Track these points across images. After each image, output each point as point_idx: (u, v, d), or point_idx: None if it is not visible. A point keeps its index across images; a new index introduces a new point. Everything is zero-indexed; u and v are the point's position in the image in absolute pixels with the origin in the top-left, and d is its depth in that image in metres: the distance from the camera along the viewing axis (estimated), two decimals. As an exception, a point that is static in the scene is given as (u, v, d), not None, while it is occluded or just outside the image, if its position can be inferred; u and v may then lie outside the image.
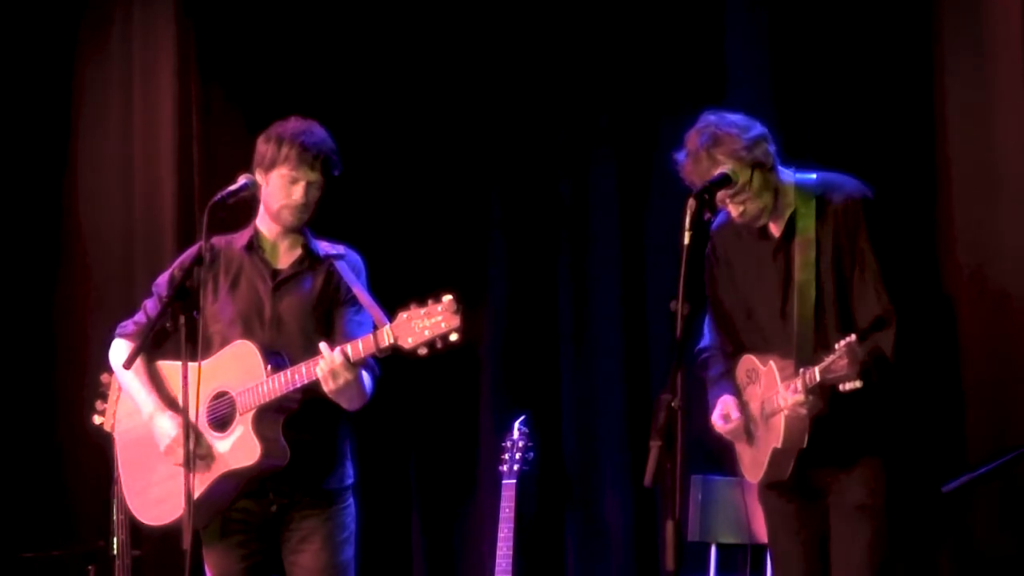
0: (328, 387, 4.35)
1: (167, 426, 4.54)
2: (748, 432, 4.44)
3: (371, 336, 4.33)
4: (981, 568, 5.16)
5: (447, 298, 4.23)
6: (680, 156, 4.35)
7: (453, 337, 4.22)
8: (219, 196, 4.46)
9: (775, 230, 4.39)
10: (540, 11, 6.12)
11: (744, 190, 4.27)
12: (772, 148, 4.33)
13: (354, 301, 4.55)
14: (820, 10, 5.51)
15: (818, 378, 4.12)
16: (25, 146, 6.68)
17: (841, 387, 4.08)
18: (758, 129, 4.32)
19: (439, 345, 4.24)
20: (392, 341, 4.27)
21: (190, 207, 6.18)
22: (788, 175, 4.38)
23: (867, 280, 4.26)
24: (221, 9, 6.34)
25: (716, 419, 4.47)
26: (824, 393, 4.17)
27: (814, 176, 4.39)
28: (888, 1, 5.44)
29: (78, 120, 6.69)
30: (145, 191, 6.44)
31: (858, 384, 4.05)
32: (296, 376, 4.38)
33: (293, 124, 4.60)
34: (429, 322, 4.22)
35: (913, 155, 5.34)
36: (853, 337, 4.04)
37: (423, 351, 4.25)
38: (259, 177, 4.57)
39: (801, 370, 4.19)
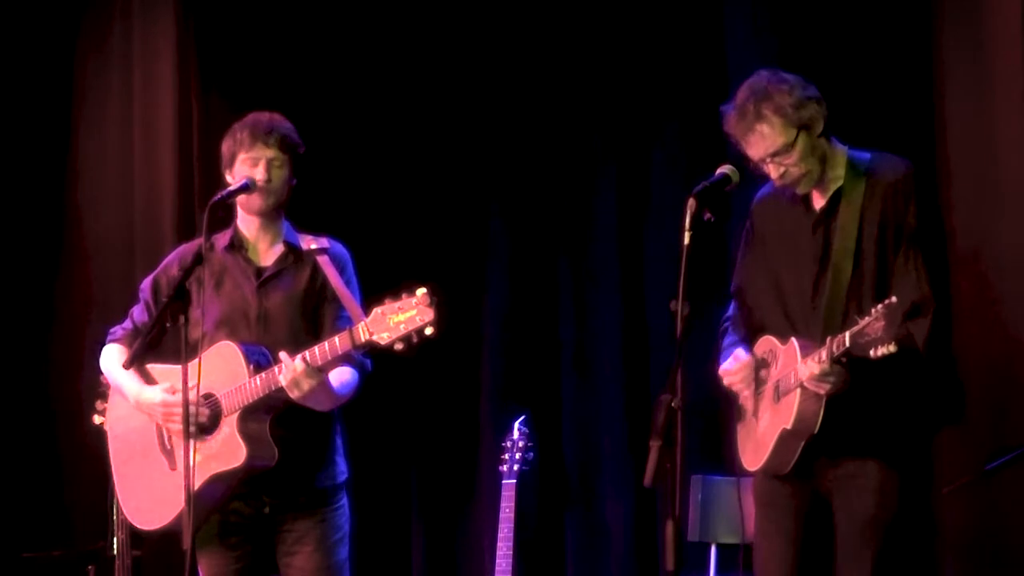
0: (293, 395, 4.33)
1: (152, 395, 4.54)
2: (756, 408, 4.29)
3: (336, 338, 4.30)
4: (981, 568, 5.15)
5: (421, 291, 4.19)
6: (727, 108, 4.22)
7: (428, 331, 4.17)
8: (219, 195, 4.49)
9: (818, 203, 4.26)
10: (542, 14, 6.12)
11: (787, 151, 4.15)
12: (825, 113, 4.19)
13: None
14: (820, 11, 5.51)
15: (848, 343, 3.91)
16: (25, 146, 6.69)
17: (872, 352, 3.86)
18: (812, 91, 4.20)
19: (415, 340, 4.19)
20: (368, 338, 4.23)
21: (190, 207, 6.18)
22: (842, 149, 4.26)
23: (910, 262, 4.11)
24: (221, 10, 6.35)
25: (725, 366, 4.31)
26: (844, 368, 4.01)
27: (868, 155, 4.27)
28: (888, 2, 5.44)
29: (78, 120, 6.70)
30: (145, 191, 6.45)
31: (892, 349, 3.83)
32: (271, 377, 4.37)
33: (246, 117, 4.65)
34: (404, 316, 4.18)
35: (913, 155, 5.32)
36: (894, 299, 3.85)
37: (399, 346, 4.21)
38: (229, 178, 4.60)
39: (828, 338, 4.01)
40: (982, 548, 5.14)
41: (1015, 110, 4.99)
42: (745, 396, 4.36)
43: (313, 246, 4.63)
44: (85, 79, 6.69)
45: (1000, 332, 5.07)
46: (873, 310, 3.88)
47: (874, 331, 3.86)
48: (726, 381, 4.36)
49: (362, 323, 4.26)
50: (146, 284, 4.72)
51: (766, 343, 4.33)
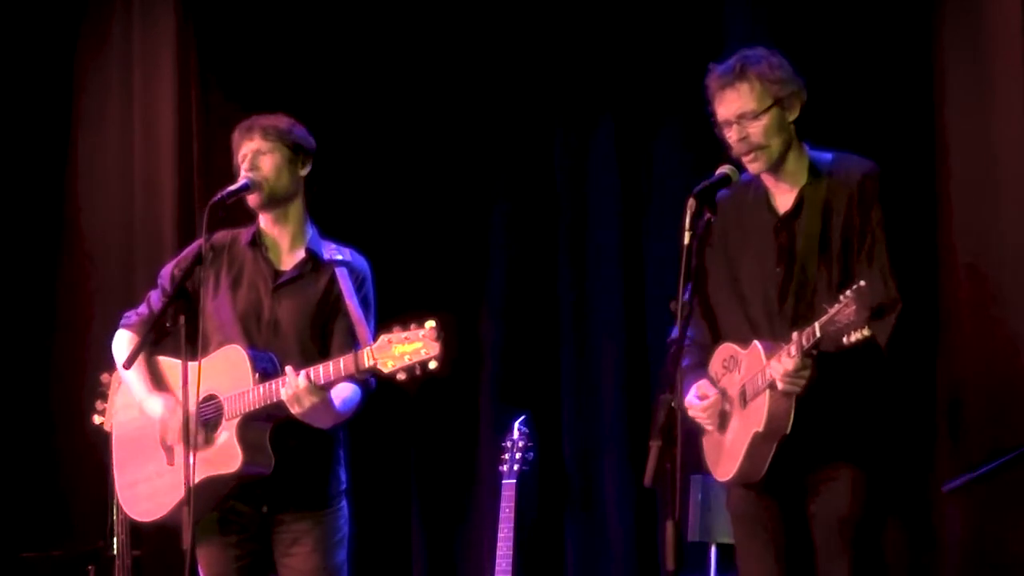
0: (294, 410, 4.33)
1: (155, 407, 4.55)
2: (722, 421, 4.21)
3: (341, 360, 4.31)
4: (981, 568, 5.15)
5: (430, 324, 4.19)
6: (715, 65, 4.22)
7: (432, 365, 4.18)
8: (219, 196, 4.48)
9: (781, 205, 4.22)
10: (540, 10, 6.12)
11: (755, 117, 4.13)
12: (803, 101, 4.18)
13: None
14: (820, 10, 5.51)
15: (818, 333, 3.86)
16: (25, 146, 6.69)
17: (846, 339, 3.81)
18: (799, 79, 4.19)
19: (418, 372, 4.20)
20: (372, 364, 4.24)
21: (190, 207, 6.18)
22: (805, 149, 4.23)
23: (875, 263, 4.08)
24: (221, 9, 6.35)
25: (691, 399, 4.22)
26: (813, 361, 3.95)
27: (829, 155, 4.25)
28: (888, 2, 5.44)
29: (78, 120, 6.70)
30: (145, 191, 6.45)
31: (866, 333, 3.79)
32: (274, 389, 4.37)
33: None
34: (410, 348, 4.19)
35: (913, 154, 5.34)
36: (862, 283, 3.81)
37: (402, 376, 4.22)
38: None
39: (795, 333, 3.95)
40: (981, 549, 5.14)
41: (1015, 110, 4.99)
42: (709, 428, 4.28)
43: (336, 256, 4.62)
44: (85, 79, 6.69)
45: (1000, 332, 5.07)
46: (842, 296, 3.83)
47: (846, 317, 3.81)
48: (691, 413, 4.25)
49: (368, 348, 4.27)
50: (165, 271, 4.72)
51: (725, 350, 4.27)
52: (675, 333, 4.31)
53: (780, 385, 3.99)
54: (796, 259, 4.16)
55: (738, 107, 4.16)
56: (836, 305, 3.84)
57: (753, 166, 4.20)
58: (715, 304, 4.34)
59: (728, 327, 4.28)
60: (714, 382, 4.26)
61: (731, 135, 4.19)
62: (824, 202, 4.16)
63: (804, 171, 4.22)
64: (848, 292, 3.82)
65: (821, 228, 4.15)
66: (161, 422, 4.52)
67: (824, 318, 3.86)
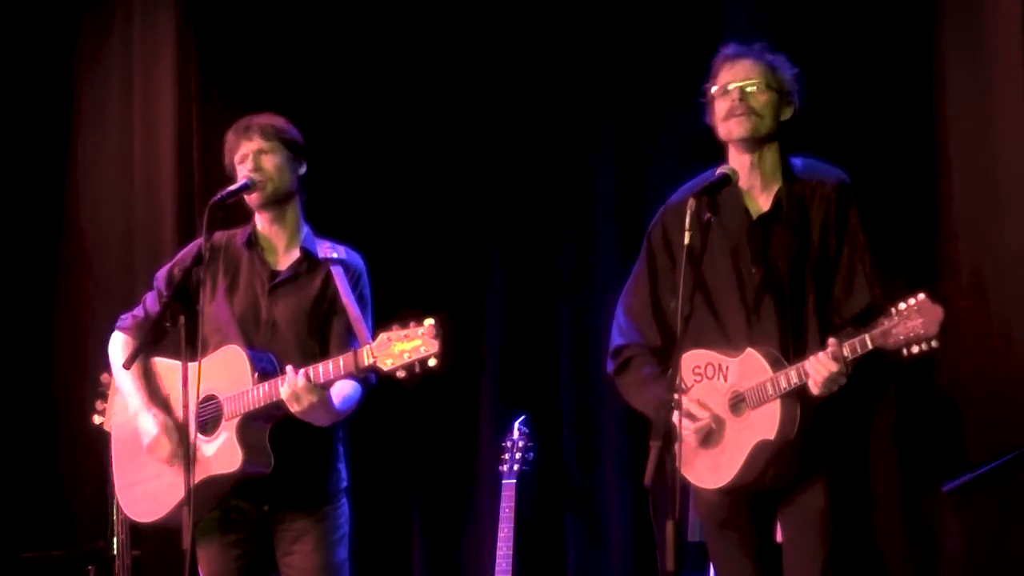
0: (293, 409, 4.34)
1: (148, 425, 4.56)
2: (706, 433, 4.14)
3: (341, 359, 4.32)
4: (981, 568, 5.15)
5: (428, 322, 4.20)
6: (733, 41, 4.25)
7: (432, 363, 4.19)
8: (219, 196, 4.49)
9: (757, 206, 4.19)
10: (538, 8, 6.12)
11: (759, 89, 4.15)
12: (796, 110, 4.21)
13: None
14: (820, 10, 5.51)
15: (870, 345, 3.85)
16: (25, 146, 6.69)
17: (907, 351, 3.81)
18: (797, 96, 4.22)
19: (417, 370, 4.21)
20: (371, 362, 4.25)
21: (190, 206, 6.18)
22: (781, 153, 4.23)
23: (856, 266, 4.09)
24: (221, 9, 6.35)
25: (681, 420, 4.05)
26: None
27: (800, 161, 4.25)
28: (888, 2, 5.44)
29: (78, 120, 6.70)
30: (145, 191, 6.45)
31: (935, 345, 3.80)
32: (273, 389, 4.38)
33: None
34: (409, 345, 4.20)
35: (913, 155, 5.34)
36: (921, 295, 3.80)
37: (401, 374, 4.23)
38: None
39: (833, 340, 3.90)
40: (981, 549, 5.14)
41: (1015, 110, 5.00)
42: (689, 441, 4.16)
43: (331, 255, 4.63)
44: (85, 81, 6.70)
45: (1000, 331, 5.08)
46: (899, 309, 3.82)
47: (908, 330, 3.81)
48: (688, 433, 4.13)
49: (367, 347, 4.28)
50: (161, 273, 4.74)
51: (697, 358, 4.17)
52: (621, 341, 4.32)
53: (817, 391, 3.96)
54: (774, 260, 4.14)
55: (748, 75, 4.18)
56: (892, 318, 3.83)
57: (739, 128, 4.17)
58: (669, 307, 4.26)
59: (694, 331, 4.12)
60: (684, 391, 4.12)
61: (732, 96, 4.18)
62: (801, 205, 4.16)
63: (779, 174, 4.22)
64: (910, 304, 3.81)
65: (800, 230, 4.14)
66: (154, 438, 4.52)
67: (876, 331, 3.85)
